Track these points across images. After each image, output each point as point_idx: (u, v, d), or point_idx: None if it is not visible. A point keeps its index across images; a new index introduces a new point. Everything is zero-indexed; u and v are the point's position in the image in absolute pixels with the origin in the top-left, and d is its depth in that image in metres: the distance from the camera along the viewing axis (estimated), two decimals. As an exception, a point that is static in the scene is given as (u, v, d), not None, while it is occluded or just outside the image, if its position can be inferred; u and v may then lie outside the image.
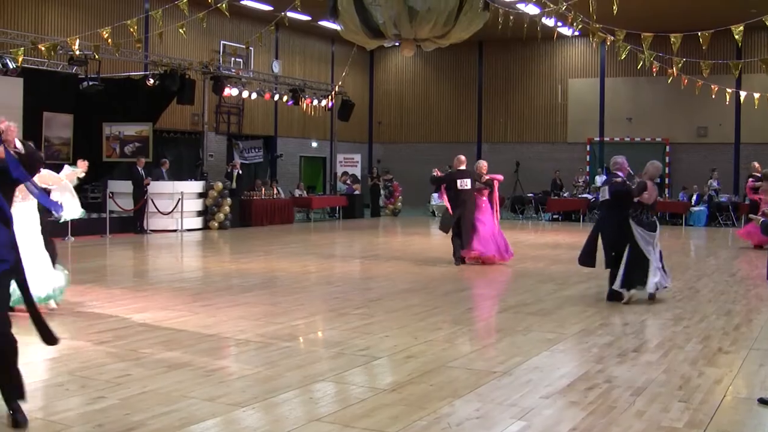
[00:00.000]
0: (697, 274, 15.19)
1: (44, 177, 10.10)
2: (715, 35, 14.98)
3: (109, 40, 16.83)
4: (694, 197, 29.79)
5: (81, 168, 10.78)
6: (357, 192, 32.97)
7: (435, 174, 17.08)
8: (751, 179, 24.56)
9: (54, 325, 9.48)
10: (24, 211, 9.69)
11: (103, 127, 25.46)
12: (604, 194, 11.92)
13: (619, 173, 11.93)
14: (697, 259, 18.47)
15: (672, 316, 10.71)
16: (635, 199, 11.47)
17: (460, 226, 16.36)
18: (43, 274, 9.98)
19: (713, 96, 17.83)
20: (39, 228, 10.16)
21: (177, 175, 26.58)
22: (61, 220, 11.05)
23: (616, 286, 11.57)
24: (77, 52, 20.25)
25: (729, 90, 17.99)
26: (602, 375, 7.44)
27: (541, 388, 6.98)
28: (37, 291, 9.30)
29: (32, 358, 7.39)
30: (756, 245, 20.49)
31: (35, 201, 9.91)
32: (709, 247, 21.97)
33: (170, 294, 12.09)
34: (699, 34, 14.83)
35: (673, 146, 33.94)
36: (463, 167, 16.71)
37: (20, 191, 8.31)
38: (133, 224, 23.07)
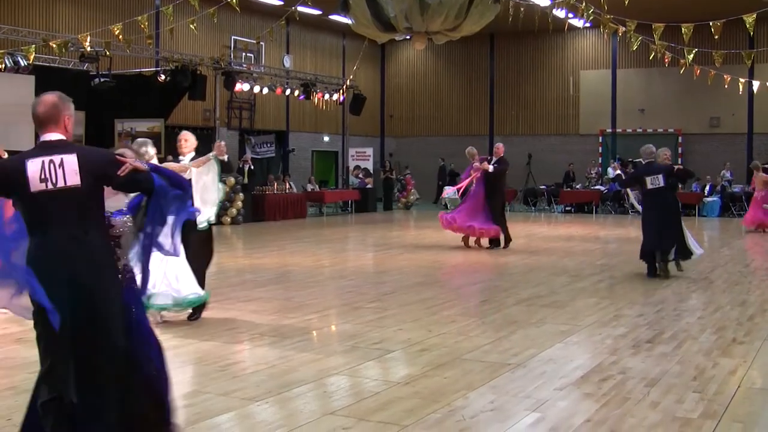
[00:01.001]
0: (711, 265, 15.14)
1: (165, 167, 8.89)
2: (727, 25, 14.94)
3: (120, 37, 16.87)
4: (707, 188, 29.69)
5: (215, 152, 9.35)
6: (369, 186, 32.94)
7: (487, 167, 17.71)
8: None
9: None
10: None
11: (115, 123, 25.53)
12: (659, 182, 12.96)
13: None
14: (711, 249, 18.39)
15: (686, 307, 10.69)
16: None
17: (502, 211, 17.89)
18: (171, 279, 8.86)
19: (726, 86, 17.78)
20: None
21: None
22: (200, 225, 9.34)
23: (669, 256, 13.17)
24: (88, 49, 20.30)
25: (742, 80, 17.89)
26: (616, 366, 7.43)
27: (556, 380, 6.98)
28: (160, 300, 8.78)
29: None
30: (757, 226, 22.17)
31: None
32: (722, 238, 21.90)
33: (184, 289, 12.10)
34: (711, 23, 14.79)
35: (686, 137, 33.82)
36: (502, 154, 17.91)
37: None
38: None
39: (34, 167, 4.46)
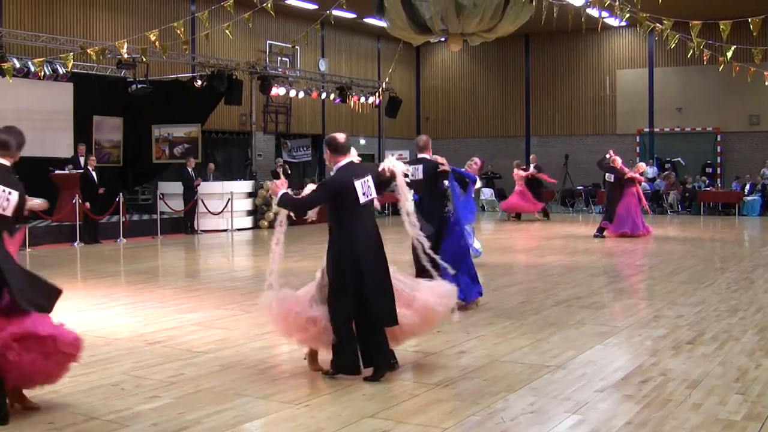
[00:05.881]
0: (753, 265, 14.97)
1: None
2: (766, 21, 14.77)
3: (157, 43, 16.98)
4: (747, 186, 29.39)
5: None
6: (406, 188, 32.84)
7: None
8: None
9: (107, 327, 9.60)
10: None
11: (153, 129, 25.73)
12: None
13: None
14: (752, 249, 18.19)
15: (727, 308, 10.56)
16: None
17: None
18: None
19: (765, 83, 17.55)
20: None
21: (226, 175, 26.78)
22: None
23: None
24: (125, 56, 20.44)
25: (782, 76, 17.67)
26: (657, 368, 7.36)
27: (596, 381, 6.93)
28: None
29: (86, 359, 7.46)
30: None
31: None
32: (763, 237, 21.65)
33: (222, 293, 12.17)
34: (749, 20, 14.62)
35: (725, 135, 33.42)
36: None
37: None
38: (183, 225, 23.25)
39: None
